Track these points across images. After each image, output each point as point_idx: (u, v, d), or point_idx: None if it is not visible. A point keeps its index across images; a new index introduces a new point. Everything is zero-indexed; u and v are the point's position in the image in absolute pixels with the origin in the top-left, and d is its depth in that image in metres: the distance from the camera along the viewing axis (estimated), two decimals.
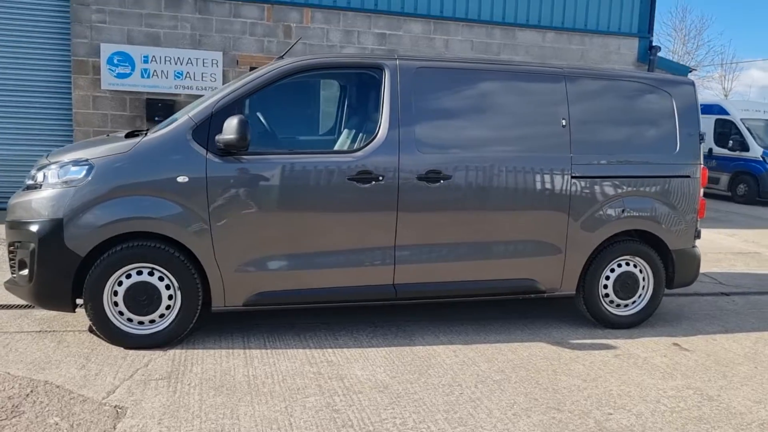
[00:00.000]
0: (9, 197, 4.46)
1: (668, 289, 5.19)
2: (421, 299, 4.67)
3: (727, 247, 9.07)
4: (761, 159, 15.13)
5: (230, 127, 3.98)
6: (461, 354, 4.30)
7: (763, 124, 16.20)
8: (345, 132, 4.96)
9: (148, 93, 9.80)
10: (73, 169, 4.06)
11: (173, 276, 4.13)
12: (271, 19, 10.18)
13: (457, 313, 5.17)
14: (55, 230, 3.96)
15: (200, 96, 9.63)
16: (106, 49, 9.53)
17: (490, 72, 4.78)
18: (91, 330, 4.37)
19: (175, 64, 9.81)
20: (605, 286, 4.96)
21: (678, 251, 5.06)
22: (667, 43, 36.95)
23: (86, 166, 4.04)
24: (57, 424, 3.12)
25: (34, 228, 4.00)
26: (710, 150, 15.74)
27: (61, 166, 4.10)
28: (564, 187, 4.70)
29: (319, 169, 4.29)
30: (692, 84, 5.27)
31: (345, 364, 4.03)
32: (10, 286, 4.26)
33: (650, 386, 3.91)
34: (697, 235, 5.19)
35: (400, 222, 4.39)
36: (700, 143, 5.12)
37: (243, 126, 3.97)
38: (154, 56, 9.72)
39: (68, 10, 9.48)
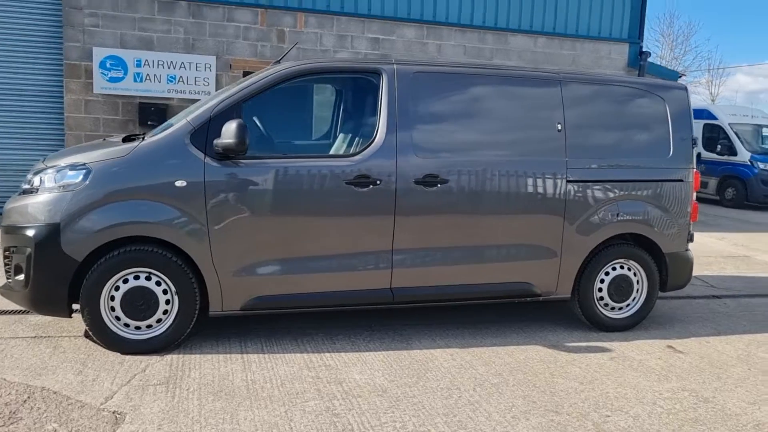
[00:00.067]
0: (0, 201, 4.43)
1: (662, 292, 5.24)
2: (418, 303, 4.68)
3: (717, 251, 9.16)
4: (749, 163, 15.29)
5: (229, 131, 3.99)
6: (458, 357, 4.32)
7: (750, 129, 16.38)
8: (342, 136, 4.97)
9: (140, 97, 9.77)
10: (71, 173, 4.05)
11: (170, 280, 4.12)
12: (265, 23, 10.18)
13: (453, 316, 5.19)
14: (52, 235, 3.94)
15: (193, 100, 9.64)
16: (99, 53, 9.49)
17: (486, 77, 4.81)
18: (86, 335, 4.35)
19: (168, 68, 9.79)
20: (600, 289, 5.00)
21: (671, 254, 5.11)
22: (655, 48, 37.26)
23: (83, 171, 4.03)
24: (56, 431, 3.11)
25: (30, 233, 3.98)
26: (699, 154, 15.81)
27: (58, 171, 4.09)
28: (559, 191, 4.74)
29: (317, 173, 4.30)
30: (685, 89, 5.33)
31: (343, 368, 4.03)
32: (6, 291, 4.23)
33: (646, 388, 3.94)
34: (690, 239, 5.25)
35: (398, 226, 4.41)
36: (693, 147, 5.18)
37: (241, 130, 3.97)
38: (147, 60, 9.69)
39: (60, 14, 9.43)
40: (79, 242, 3.96)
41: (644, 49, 12.39)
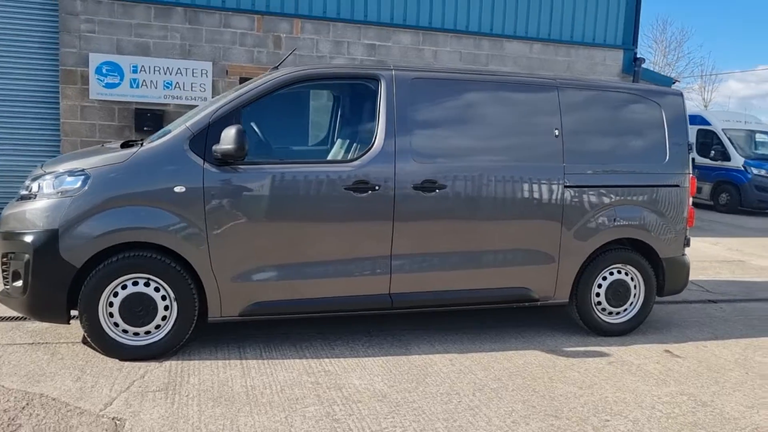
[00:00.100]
0: None
1: (658, 296, 5.26)
2: (416, 308, 4.68)
3: (712, 256, 9.21)
4: (742, 169, 15.39)
5: (228, 136, 3.99)
6: (457, 363, 4.32)
7: (743, 135, 16.49)
8: (340, 142, 4.98)
9: (137, 103, 9.76)
10: (69, 179, 4.04)
11: (169, 286, 4.12)
12: (261, 29, 10.20)
13: (451, 321, 5.20)
14: (50, 241, 3.93)
15: (190, 106, 9.64)
16: (95, 59, 9.48)
17: (483, 83, 4.84)
18: (84, 341, 4.34)
19: (165, 74, 9.78)
20: (597, 294, 5.02)
21: (668, 259, 5.14)
22: (648, 54, 37.54)
23: (82, 177, 4.02)
24: None
25: (28, 239, 3.96)
26: (693, 159, 15.96)
27: (57, 177, 4.08)
28: (557, 197, 4.76)
29: (315, 178, 4.31)
30: (681, 95, 5.37)
31: (342, 374, 4.03)
32: (3, 297, 4.21)
33: (645, 392, 3.96)
34: (687, 244, 5.28)
35: (396, 231, 4.42)
36: (689, 153, 5.22)
37: (241, 136, 3.98)
38: (143, 66, 9.68)
39: (56, 20, 9.42)
40: (77, 248, 3.95)
41: (638, 56, 12.48)
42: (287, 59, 5.44)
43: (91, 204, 3.97)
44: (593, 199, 4.87)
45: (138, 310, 4.08)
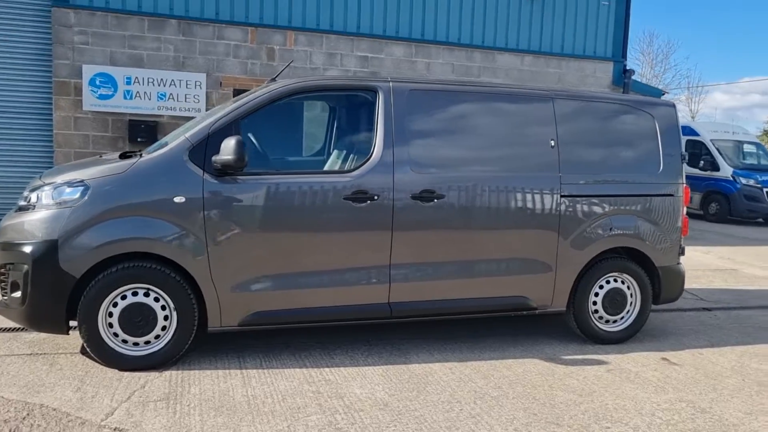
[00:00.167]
0: None
1: (654, 304, 5.31)
2: (415, 317, 4.70)
3: (705, 264, 9.29)
4: (731, 179, 15.57)
5: (228, 147, 4.01)
6: (457, 371, 4.33)
7: (732, 145, 16.69)
8: (338, 152, 5.01)
9: (130, 114, 9.76)
10: (68, 190, 4.04)
11: (169, 296, 4.11)
12: (255, 41, 10.25)
13: (448, 330, 5.22)
14: (49, 251, 3.92)
15: (183, 117, 9.65)
16: (89, 71, 9.48)
17: (479, 94, 4.90)
18: (83, 352, 4.32)
19: (158, 85, 9.80)
20: (594, 303, 5.05)
21: (664, 268, 5.19)
22: (636, 66, 37.96)
23: (81, 187, 4.02)
24: None
25: (27, 249, 3.95)
26: None
27: (56, 188, 4.08)
28: (554, 206, 4.81)
29: (314, 189, 4.33)
30: (673, 106, 5.46)
31: (343, 383, 4.03)
32: (1, 308, 4.18)
33: (644, 400, 3.98)
34: (681, 252, 5.33)
35: (395, 241, 4.44)
36: (683, 163, 5.29)
37: (240, 146, 4.00)
38: (137, 77, 9.69)
39: (50, 32, 9.43)
40: (77, 259, 3.94)
41: (627, 68, 12.65)
42: (283, 72, 5.47)
43: (90, 214, 3.97)
44: (589, 208, 4.92)
45: (137, 320, 4.08)
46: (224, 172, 4.13)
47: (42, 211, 4.03)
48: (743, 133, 17.77)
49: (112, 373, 4.01)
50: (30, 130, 9.55)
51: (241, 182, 4.19)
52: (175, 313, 4.13)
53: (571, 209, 4.86)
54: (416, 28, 11.14)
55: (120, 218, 4.01)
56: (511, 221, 4.73)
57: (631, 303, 5.16)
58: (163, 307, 4.12)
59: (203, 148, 4.15)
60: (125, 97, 9.69)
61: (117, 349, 4.07)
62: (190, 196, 4.09)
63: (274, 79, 4.98)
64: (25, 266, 3.95)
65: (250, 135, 4.72)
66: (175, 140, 4.26)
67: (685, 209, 5.31)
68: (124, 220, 4.02)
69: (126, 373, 4.01)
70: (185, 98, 9.93)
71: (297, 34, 10.48)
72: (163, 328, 4.14)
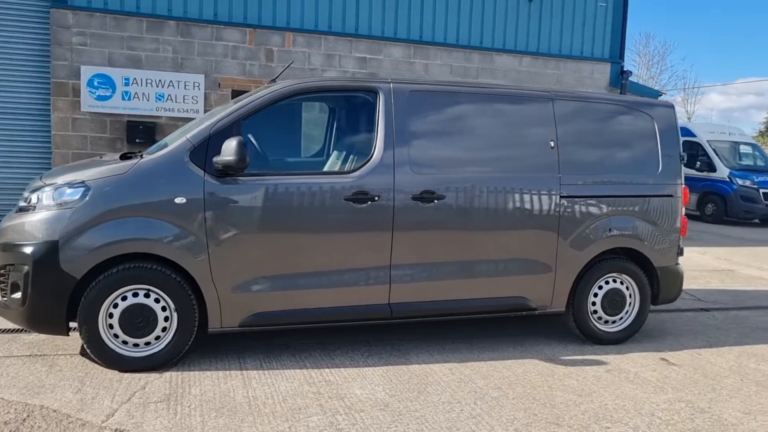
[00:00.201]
0: None
1: (653, 305, 5.32)
2: (415, 318, 4.71)
3: (702, 265, 9.32)
4: (728, 180, 15.63)
5: (229, 148, 4.01)
6: (457, 372, 4.34)
7: (728, 146, 16.76)
8: (339, 153, 5.01)
9: (128, 115, 9.75)
10: (69, 191, 4.04)
11: (170, 297, 4.11)
12: (253, 42, 10.25)
13: (447, 331, 5.23)
14: (50, 252, 3.92)
15: (182, 118, 9.66)
16: (87, 72, 9.47)
17: (480, 95, 4.91)
18: (82, 353, 4.31)
19: (157, 86, 9.80)
20: (594, 303, 5.07)
21: (662, 268, 5.21)
22: (632, 68, 38.07)
23: (82, 188, 4.02)
24: None
25: (28, 250, 3.95)
26: None
27: (57, 188, 4.07)
28: (553, 207, 4.82)
29: (315, 189, 4.33)
30: (672, 107, 5.48)
31: (344, 384, 4.04)
32: (1, 309, 4.17)
33: (643, 400, 4.00)
34: (680, 253, 5.35)
35: (396, 241, 4.45)
36: (681, 163, 5.31)
37: (241, 147, 4.00)
38: (135, 78, 9.69)
39: (48, 33, 9.42)
40: (78, 260, 3.94)
41: (625, 69, 12.69)
42: (285, 73, 5.48)
43: (91, 215, 3.97)
44: (588, 209, 4.94)
45: (138, 321, 4.07)
46: (225, 172, 4.13)
47: (43, 212, 4.03)
48: (739, 134, 17.84)
49: (112, 375, 4.01)
50: (28, 132, 9.54)
51: (241, 183, 4.19)
52: (175, 314, 4.13)
53: (570, 210, 4.87)
54: (414, 29, 11.16)
55: (121, 219, 4.01)
56: (511, 222, 4.74)
57: (629, 303, 5.17)
58: (164, 308, 4.12)
59: (204, 148, 4.16)
60: (123, 98, 9.69)
61: (117, 350, 4.07)
62: (191, 196, 4.09)
63: (274, 80, 4.99)
64: (26, 267, 3.94)
65: (251, 136, 4.73)
66: (176, 141, 4.27)
67: (683, 210, 5.33)
68: (125, 220, 4.02)
69: (126, 375, 4.01)
70: (183, 99, 9.93)
71: (295, 35, 10.49)
72: (164, 329, 4.13)
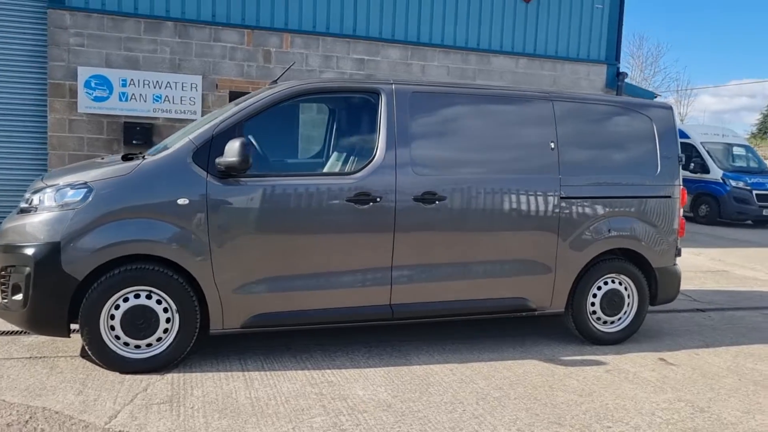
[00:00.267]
0: None
1: (651, 305, 5.36)
2: (416, 319, 4.72)
3: (697, 266, 9.38)
4: (721, 181, 15.72)
5: (232, 149, 4.02)
6: (458, 372, 4.36)
7: (722, 148, 16.85)
8: (341, 155, 5.02)
9: (126, 116, 9.73)
10: (71, 192, 4.03)
11: (171, 299, 4.11)
12: (251, 43, 10.25)
13: (448, 332, 5.25)
14: (51, 254, 3.91)
15: (179, 120, 9.65)
16: (84, 73, 9.45)
17: (481, 97, 4.93)
18: (83, 355, 4.31)
19: (154, 87, 9.78)
20: (593, 304, 5.10)
21: (660, 269, 5.25)
22: (626, 69, 38.21)
23: (84, 189, 4.02)
24: None
25: (29, 251, 3.94)
26: None
27: (58, 190, 4.07)
28: (553, 208, 4.85)
29: (317, 191, 4.34)
30: (670, 108, 5.52)
31: (346, 384, 4.05)
32: (1, 311, 4.16)
33: (643, 399, 4.03)
34: (678, 254, 5.39)
35: (397, 243, 4.46)
36: (679, 165, 5.35)
37: (245, 148, 4.01)
38: (132, 80, 9.67)
39: (45, 34, 9.39)
40: (79, 261, 3.93)
41: (621, 71, 12.76)
42: (285, 74, 5.49)
43: (93, 217, 3.97)
44: (588, 210, 4.97)
45: (139, 322, 4.07)
46: (228, 174, 4.14)
47: (44, 213, 4.02)
48: (733, 135, 17.95)
49: (114, 376, 4.01)
50: (24, 133, 9.51)
51: (244, 184, 4.20)
52: (177, 316, 4.13)
53: (570, 211, 4.90)
54: (412, 30, 11.18)
55: (123, 220, 4.01)
56: (511, 223, 4.77)
57: (628, 304, 5.21)
58: (165, 310, 4.12)
59: (207, 150, 4.16)
60: (120, 99, 9.67)
61: (119, 351, 4.07)
62: (194, 198, 4.10)
63: (275, 82, 5.00)
64: (27, 268, 3.94)
65: (253, 137, 4.73)
66: (178, 142, 4.27)
67: (681, 211, 5.37)
68: (127, 222, 4.02)
69: (128, 376, 4.01)
70: (181, 100, 9.92)
71: (293, 36, 10.49)
72: (165, 331, 4.13)
